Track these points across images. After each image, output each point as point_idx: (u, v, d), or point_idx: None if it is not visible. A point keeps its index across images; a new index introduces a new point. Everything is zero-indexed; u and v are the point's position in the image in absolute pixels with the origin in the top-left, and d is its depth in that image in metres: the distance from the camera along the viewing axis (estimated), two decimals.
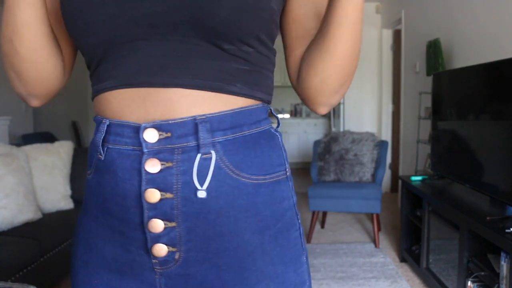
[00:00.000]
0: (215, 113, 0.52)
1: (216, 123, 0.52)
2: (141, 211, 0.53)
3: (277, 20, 0.56)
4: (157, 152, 0.51)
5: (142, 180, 0.51)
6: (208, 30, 0.49)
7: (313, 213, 3.37)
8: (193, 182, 0.51)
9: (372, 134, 3.61)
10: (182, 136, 0.51)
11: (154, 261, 0.54)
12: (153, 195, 0.51)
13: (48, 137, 4.80)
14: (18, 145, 2.93)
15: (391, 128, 5.07)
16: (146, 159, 0.51)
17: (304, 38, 0.59)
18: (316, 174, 3.57)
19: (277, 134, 0.59)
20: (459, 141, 2.36)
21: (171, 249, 0.53)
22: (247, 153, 0.54)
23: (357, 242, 3.33)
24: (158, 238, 0.53)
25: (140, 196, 0.52)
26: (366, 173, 3.45)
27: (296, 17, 0.58)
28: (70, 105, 7.40)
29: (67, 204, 2.77)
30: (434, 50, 3.03)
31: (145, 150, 0.51)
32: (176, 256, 0.54)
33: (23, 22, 0.51)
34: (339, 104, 5.60)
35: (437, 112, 2.66)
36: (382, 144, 3.54)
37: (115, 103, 0.53)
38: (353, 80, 5.46)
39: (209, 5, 0.47)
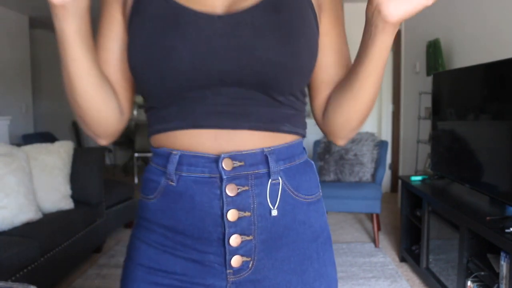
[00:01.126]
0: (276, 146, 0.63)
1: (279, 154, 0.63)
2: (220, 229, 0.61)
3: None
4: (233, 178, 0.61)
5: (224, 202, 0.60)
6: (266, 86, 0.60)
7: None
8: (267, 203, 0.62)
9: (372, 134, 3.61)
10: (253, 164, 0.61)
11: (229, 271, 0.63)
12: (233, 215, 0.61)
13: (48, 137, 4.80)
14: (18, 145, 2.93)
15: (391, 128, 5.06)
16: (226, 184, 0.60)
17: (328, 83, 0.68)
18: None
19: (312, 162, 0.72)
20: (459, 141, 2.36)
21: (245, 259, 0.63)
22: (299, 178, 0.66)
23: (357, 242, 3.33)
24: (236, 250, 0.62)
25: (220, 216, 0.61)
26: (366, 173, 3.45)
27: (321, 65, 0.67)
28: (70, 106, 7.40)
29: (67, 204, 2.77)
30: (434, 50, 3.03)
31: (224, 177, 0.60)
32: (250, 265, 0.63)
33: (74, 75, 0.58)
34: None
35: (437, 112, 2.66)
36: (382, 144, 3.54)
37: (185, 140, 0.62)
38: None
39: (270, 67, 0.58)
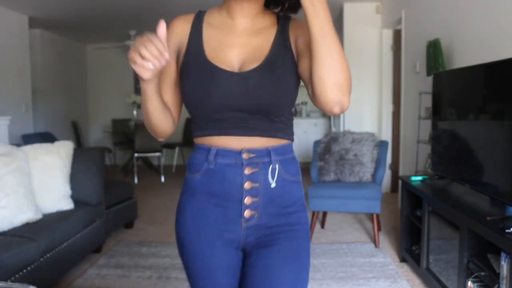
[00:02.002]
0: (275, 146, 1.00)
1: (276, 151, 1.00)
2: (240, 194, 0.99)
3: None
4: (249, 163, 0.98)
5: (243, 178, 0.98)
6: (265, 113, 0.97)
7: (313, 213, 3.36)
8: (269, 179, 1.00)
9: (372, 134, 3.60)
10: (261, 156, 0.99)
11: (242, 219, 1.00)
12: (248, 185, 0.99)
13: (47, 137, 4.80)
14: (18, 145, 2.93)
15: (391, 128, 5.06)
16: (245, 167, 0.98)
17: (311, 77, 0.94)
18: (316, 174, 3.56)
19: (296, 158, 1.07)
20: (459, 141, 2.36)
21: (253, 212, 1.00)
22: (288, 166, 1.03)
23: (357, 242, 3.33)
24: (248, 206, 1.00)
25: (240, 185, 0.98)
26: (366, 173, 3.45)
27: (305, 72, 0.96)
28: (70, 106, 7.40)
29: (67, 204, 2.77)
30: (434, 50, 3.03)
31: (244, 163, 0.98)
32: (255, 216, 1.01)
33: (151, 110, 0.97)
34: None
35: (437, 112, 2.66)
36: (382, 144, 3.54)
37: (219, 141, 0.99)
38: (353, 79, 5.46)
39: (267, 104, 0.96)
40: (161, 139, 1.08)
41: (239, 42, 1.00)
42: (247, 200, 0.99)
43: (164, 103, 0.99)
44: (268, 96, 0.95)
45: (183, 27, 1.03)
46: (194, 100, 0.97)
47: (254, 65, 0.96)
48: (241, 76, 0.95)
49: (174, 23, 1.04)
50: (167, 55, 0.83)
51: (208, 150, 0.99)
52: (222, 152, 0.98)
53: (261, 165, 0.98)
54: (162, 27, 0.86)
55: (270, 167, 0.99)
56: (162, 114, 0.98)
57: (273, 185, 1.00)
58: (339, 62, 0.85)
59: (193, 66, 0.97)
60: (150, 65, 0.82)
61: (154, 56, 0.81)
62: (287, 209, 1.02)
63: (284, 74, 0.97)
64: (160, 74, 0.97)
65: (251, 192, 0.98)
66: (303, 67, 0.96)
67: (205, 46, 0.99)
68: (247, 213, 0.99)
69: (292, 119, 1.07)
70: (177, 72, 1.03)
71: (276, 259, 0.99)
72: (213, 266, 1.02)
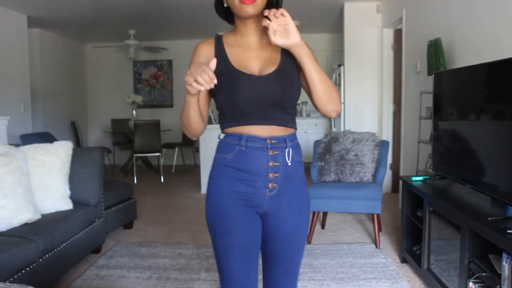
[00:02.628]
0: (289, 134, 1.32)
1: (289, 138, 1.32)
2: (266, 170, 1.28)
3: None
4: (272, 147, 1.28)
5: (268, 158, 1.28)
6: (281, 106, 1.28)
7: (314, 213, 3.35)
8: (286, 159, 1.30)
9: (372, 134, 3.59)
10: (280, 142, 1.29)
11: (267, 190, 1.30)
12: (272, 164, 1.28)
13: (46, 137, 4.78)
14: (17, 145, 2.92)
15: (392, 128, 5.05)
16: (270, 150, 1.28)
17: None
18: (316, 174, 3.55)
19: (299, 144, 1.38)
20: (460, 141, 2.34)
21: (275, 184, 1.30)
22: (296, 150, 1.34)
23: (357, 243, 3.32)
24: (271, 180, 1.30)
25: (266, 164, 1.28)
26: (366, 173, 3.44)
27: (303, 82, 1.33)
28: (69, 105, 7.38)
29: (66, 204, 2.75)
30: (435, 50, 3.02)
31: (268, 147, 1.27)
32: (277, 188, 1.31)
33: (192, 117, 1.25)
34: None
35: (438, 112, 2.65)
36: (383, 144, 3.53)
37: (249, 130, 1.28)
38: (354, 79, 5.46)
39: (282, 99, 1.28)
40: (194, 139, 1.42)
41: (255, 54, 1.33)
42: (271, 175, 1.29)
43: (200, 110, 1.27)
44: (282, 91, 1.27)
45: (207, 49, 1.35)
46: (227, 100, 1.28)
47: (271, 70, 1.29)
48: (262, 78, 1.28)
49: (201, 46, 1.35)
50: (215, 81, 1.12)
51: (239, 136, 1.28)
52: (252, 138, 1.28)
53: (280, 148, 1.29)
54: (214, 62, 1.17)
55: (286, 150, 1.30)
56: (200, 118, 1.27)
57: (290, 163, 1.31)
58: (328, 85, 1.26)
59: (224, 75, 1.26)
60: (202, 88, 1.11)
61: (206, 82, 1.10)
62: (297, 183, 1.35)
63: (292, 76, 1.31)
64: None
65: (274, 169, 1.29)
66: (302, 82, 1.32)
67: (230, 59, 1.30)
68: (271, 185, 1.30)
69: (296, 114, 1.39)
70: None
71: (291, 221, 1.36)
72: (237, 222, 1.31)
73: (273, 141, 1.27)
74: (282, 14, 1.16)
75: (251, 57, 1.31)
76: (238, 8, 1.25)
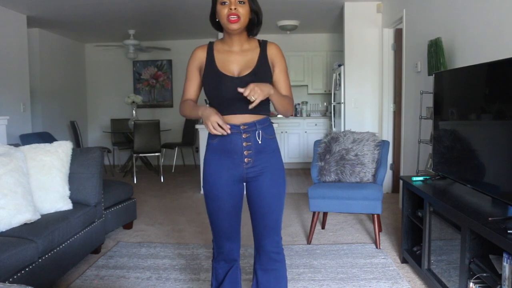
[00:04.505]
0: (259, 120, 1.71)
1: (260, 122, 1.71)
2: (241, 149, 1.69)
3: None
4: (245, 131, 1.68)
5: (242, 140, 1.68)
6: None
7: (314, 213, 3.35)
8: (257, 139, 1.70)
9: (373, 134, 3.58)
10: (251, 126, 1.68)
11: (244, 164, 1.70)
12: (246, 144, 1.68)
13: (46, 137, 4.78)
14: (16, 145, 2.91)
15: (392, 128, 5.05)
16: (243, 133, 1.67)
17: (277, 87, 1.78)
18: (316, 174, 3.54)
19: (272, 125, 1.78)
20: (461, 141, 2.34)
21: (249, 159, 1.70)
22: (267, 130, 1.73)
23: (358, 243, 3.31)
24: (246, 156, 1.70)
25: (241, 144, 1.68)
26: (367, 174, 3.43)
27: (275, 83, 1.76)
28: (68, 105, 7.38)
29: (65, 204, 2.75)
30: (435, 49, 3.01)
31: (241, 131, 1.67)
32: (252, 161, 1.70)
33: (192, 116, 1.76)
34: (339, 103, 5.59)
35: (438, 111, 2.64)
36: (383, 144, 3.52)
37: (227, 119, 1.66)
38: (354, 79, 5.47)
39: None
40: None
41: (236, 59, 1.71)
42: (246, 152, 1.69)
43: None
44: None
45: (202, 53, 1.75)
46: (212, 94, 1.70)
47: (247, 72, 1.68)
48: (240, 79, 1.66)
49: (197, 52, 1.76)
50: (229, 131, 1.61)
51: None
52: (230, 126, 1.63)
53: (251, 131, 1.67)
54: (228, 127, 1.61)
55: (256, 132, 1.68)
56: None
57: (260, 142, 1.69)
58: (285, 104, 1.70)
59: (211, 74, 1.69)
60: (218, 133, 1.59)
61: (224, 129, 1.59)
62: (268, 155, 1.73)
63: (264, 77, 1.69)
64: (189, 81, 1.78)
65: (247, 148, 1.68)
66: (274, 83, 1.75)
67: (216, 63, 1.70)
68: (246, 160, 1.70)
69: (268, 104, 1.76)
70: (201, 79, 1.76)
71: (265, 183, 1.73)
72: (223, 191, 1.73)
73: (245, 127, 1.66)
74: (251, 91, 1.52)
75: (233, 61, 1.70)
76: (226, 24, 1.64)
